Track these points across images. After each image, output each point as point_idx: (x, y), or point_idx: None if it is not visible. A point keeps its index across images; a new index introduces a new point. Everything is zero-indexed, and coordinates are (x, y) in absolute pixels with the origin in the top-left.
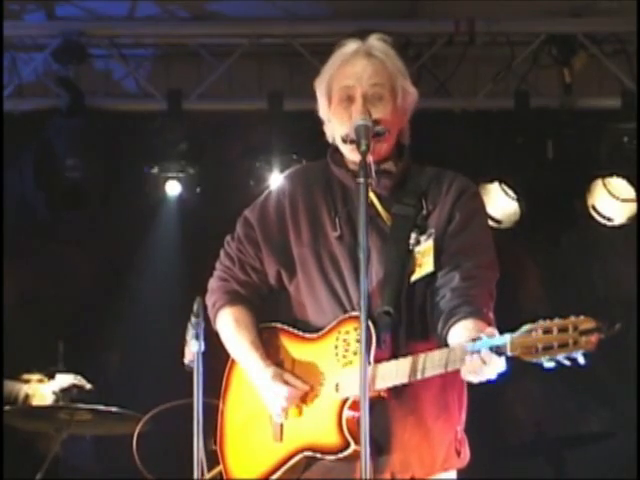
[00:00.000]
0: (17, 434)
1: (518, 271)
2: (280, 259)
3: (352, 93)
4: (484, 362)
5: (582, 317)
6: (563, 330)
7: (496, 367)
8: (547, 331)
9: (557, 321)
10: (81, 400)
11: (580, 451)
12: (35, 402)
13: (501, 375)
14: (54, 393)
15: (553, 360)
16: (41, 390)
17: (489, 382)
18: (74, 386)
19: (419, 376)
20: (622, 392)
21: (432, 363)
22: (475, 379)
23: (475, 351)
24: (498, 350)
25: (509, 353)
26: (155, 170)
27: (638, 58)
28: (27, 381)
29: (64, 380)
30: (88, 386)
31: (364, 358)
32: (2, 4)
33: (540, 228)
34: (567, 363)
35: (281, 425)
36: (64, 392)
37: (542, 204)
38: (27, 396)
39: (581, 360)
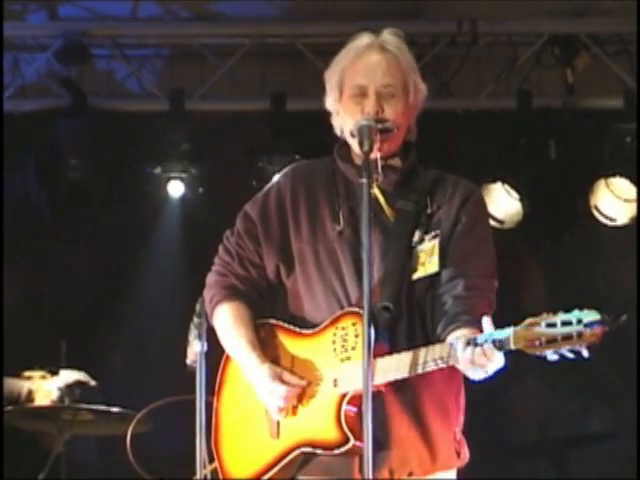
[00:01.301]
0: (19, 433)
1: (520, 271)
2: (280, 254)
3: (365, 90)
4: (486, 355)
5: (586, 310)
6: (567, 323)
7: (495, 362)
8: (550, 324)
9: (561, 314)
10: (84, 400)
11: (583, 451)
12: (39, 398)
13: (502, 373)
14: (59, 389)
15: (557, 353)
16: (45, 386)
17: (488, 380)
18: (79, 382)
19: (420, 370)
20: (625, 392)
21: (433, 357)
22: (474, 375)
23: (478, 344)
24: (501, 343)
25: (512, 346)
26: (158, 170)
27: None
28: (29, 378)
29: (69, 376)
30: (92, 382)
31: (366, 354)
32: (2, 4)
33: (542, 228)
34: (571, 356)
35: (278, 422)
36: (69, 388)
37: (544, 204)
38: (30, 392)
39: (585, 353)
